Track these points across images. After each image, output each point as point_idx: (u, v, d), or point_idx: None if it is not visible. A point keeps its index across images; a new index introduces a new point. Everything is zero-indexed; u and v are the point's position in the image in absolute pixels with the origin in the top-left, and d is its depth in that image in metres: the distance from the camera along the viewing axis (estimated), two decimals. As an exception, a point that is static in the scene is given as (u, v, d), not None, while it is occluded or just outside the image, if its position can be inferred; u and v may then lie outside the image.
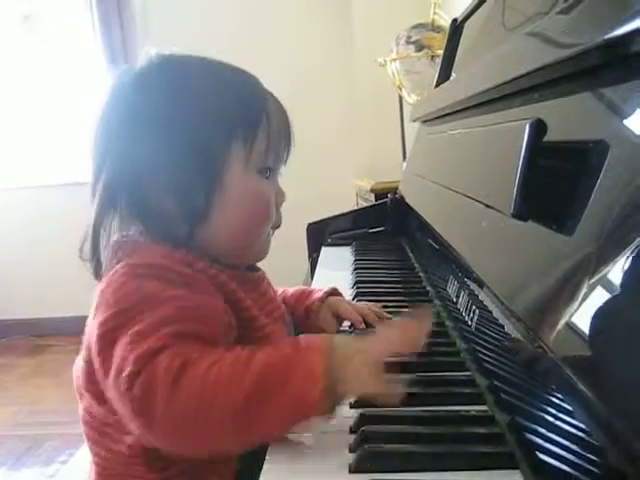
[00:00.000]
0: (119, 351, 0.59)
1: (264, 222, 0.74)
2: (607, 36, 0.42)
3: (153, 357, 0.57)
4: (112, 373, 0.58)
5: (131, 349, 0.58)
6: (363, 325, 0.87)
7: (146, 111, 0.69)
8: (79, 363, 0.69)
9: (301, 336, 0.66)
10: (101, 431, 0.68)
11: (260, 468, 0.54)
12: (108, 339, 0.61)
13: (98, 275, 0.71)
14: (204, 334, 0.61)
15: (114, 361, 0.59)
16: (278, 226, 0.78)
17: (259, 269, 0.81)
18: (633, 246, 0.37)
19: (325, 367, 0.55)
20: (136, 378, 0.56)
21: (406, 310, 0.91)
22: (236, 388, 0.55)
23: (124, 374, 0.57)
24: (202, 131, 0.68)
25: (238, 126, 0.69)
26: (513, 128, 0.60)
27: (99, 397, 0.65)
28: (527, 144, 0.54)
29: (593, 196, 0.44)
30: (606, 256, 0.40)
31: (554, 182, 0.53)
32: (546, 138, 0.54)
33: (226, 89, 0.71)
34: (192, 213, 0.69)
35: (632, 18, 0.39)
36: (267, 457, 0.56)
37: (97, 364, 0.62)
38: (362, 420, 0.59)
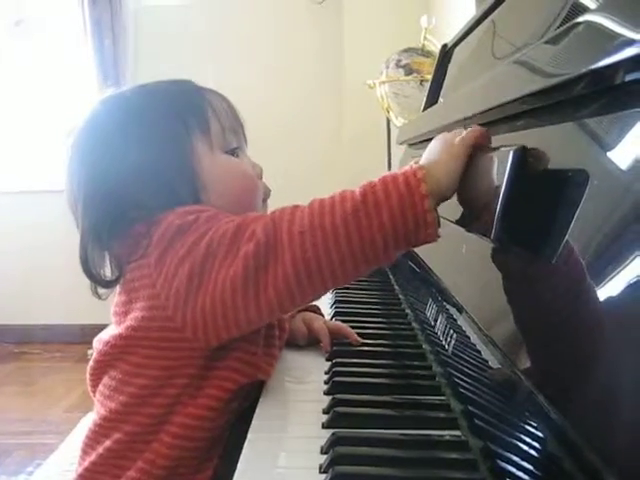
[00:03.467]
0: (219, 231, 0.66)
1: (253, 192, 0.83)
2: (592, 67, 0.42)
3: (261, 217, 0.66)
4: (223, 249, 0.64)
5: (235, 221, 0.67)
6: (329, 348, 0.88)
7: (114, 138, 0.78)
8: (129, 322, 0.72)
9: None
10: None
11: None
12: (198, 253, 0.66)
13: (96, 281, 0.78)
14: None
15: (220, 242, 0.65)
16: (268, 196, 0.85)
17: None
18: (613, 275, 0.37)
19: (419, 167, 0.62)
20: (255, 231, 0.63)
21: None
22: (341, 205, 0.63)
23: (247, 234, 0.64)
24: (166, 134, 0.78)
25: (191, 119, 0.79)
26: (497, 154, 0.60)
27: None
28: (510, 170, 0.54)
29: (574, 224, 0.44)
30: (586, 284, 0.40)
31: (536, 209, 0.53)
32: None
33: (171, 97, 0.82)
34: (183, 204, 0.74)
35: (616, 50, 0.39)
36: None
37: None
38: (334, 441, 0.59)
